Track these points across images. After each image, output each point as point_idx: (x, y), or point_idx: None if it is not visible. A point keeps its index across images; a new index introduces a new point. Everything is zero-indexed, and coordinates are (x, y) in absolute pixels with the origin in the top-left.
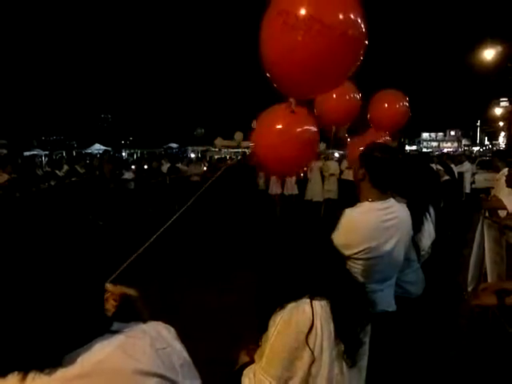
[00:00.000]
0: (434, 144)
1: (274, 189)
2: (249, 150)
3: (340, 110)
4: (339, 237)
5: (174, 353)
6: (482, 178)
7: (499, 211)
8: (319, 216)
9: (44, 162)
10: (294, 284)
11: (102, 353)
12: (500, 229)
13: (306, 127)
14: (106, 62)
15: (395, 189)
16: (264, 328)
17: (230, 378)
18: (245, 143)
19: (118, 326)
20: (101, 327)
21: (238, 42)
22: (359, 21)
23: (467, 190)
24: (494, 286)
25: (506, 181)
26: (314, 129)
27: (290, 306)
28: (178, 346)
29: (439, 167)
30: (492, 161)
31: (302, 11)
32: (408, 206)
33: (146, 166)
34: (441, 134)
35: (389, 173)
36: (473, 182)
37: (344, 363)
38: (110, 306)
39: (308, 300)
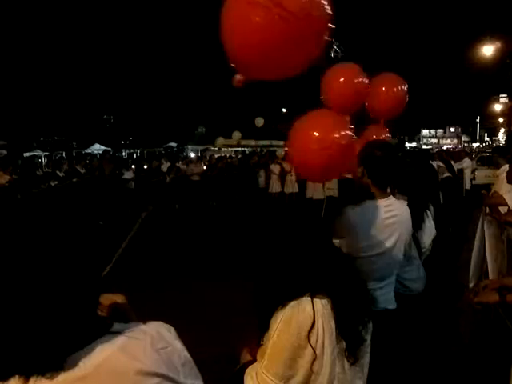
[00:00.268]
0: (434, 141)
1: (275, 187)
2: (249, 149)
3: (348, 94)
4: (339, 235)
5: (174, 352)
6: (483, 175)
7: (500, 208)
8: (320, 214)
9: (44, 162)
10: (295, 282)
11: (103, 354)
12: (501, 225)
13: (346, 132)
14: (106, 62)
15: (396, 186)
16: (265, 327)
17: (233, 376)
18: (244, 142)
19: (118, 326)
20: (101, 328)
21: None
22: (322, 2)
23: (467, 187)
24: (494, 284)
25: (507, 177)
26: (352, 134)
27: (291, 304)
28: (178, 345)
29: (440, 164)
30: (492, 157)
31: None
32: (409, 203)
33: (145, 166)
34: (440, 130)
35: (387, 170)
36: (473, 179)
37: (346, 361)
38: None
39: (309, 298)
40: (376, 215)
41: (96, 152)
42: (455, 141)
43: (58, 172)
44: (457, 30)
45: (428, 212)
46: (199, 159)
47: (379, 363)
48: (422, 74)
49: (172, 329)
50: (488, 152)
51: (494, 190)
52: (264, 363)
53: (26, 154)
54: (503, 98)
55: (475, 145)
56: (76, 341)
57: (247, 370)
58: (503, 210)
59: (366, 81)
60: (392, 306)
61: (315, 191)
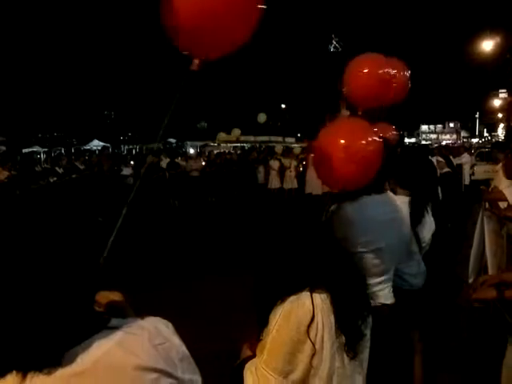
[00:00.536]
0: (433, 136)
1: (274, 183)
2: (248, 145)
3: (371, 86)
4: (337, 231)
5: (172, 348)
6: (482, 170)
7: (499, 203)
8: (318, 209)
9: (43, 158)
10: (294, 277)
11: (101, 349)
12: (500, 220)
13: (373, 138)
14: (105, 58)
15: (398, 181)
16: (265, 322)
17: (232, 372)
18: (243, 138)
19: (115, 322)
20: (98, 324)
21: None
22: None
23: (466, 182)
24: (492, 279)
25: (505, 172)
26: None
27: (290, 299)
28: (176, 340)
29: (440, 159)
30: (492, 152)
31: None
32: (411, 199)
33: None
34: (440, 126)
35: (384, 166)
36: (472, 174)
37: (345, 355)
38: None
39: (308, 293)
40: (374, 211)
41: (95, 148)
42: (454, 136)
43: (57, 168)
44: (456, 25)
45: (427, 207)
46: (198, 155)
47: (379, 358)
48: (421, 69)
49: (170, 324)
50: (487, 147)
51: (494, 185)
52: (263, 358)
53: (25, 150)
54: (502, 94)
55: (474, 140)
56: (73, 336)
57: (247, 365)
58: (503, 205)
59: (392, 72)
60: (390, 301)
61: (314, 187)
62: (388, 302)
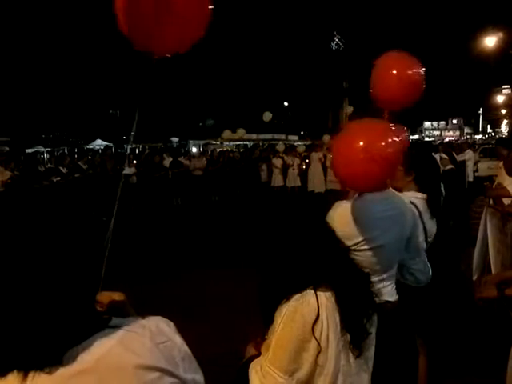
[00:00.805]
0: (436, 133)
1: (277, 181)
2: (251, 143)
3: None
4: (337, 228)
5: (174, 346)
6: (486, 166)
7: (503, 199)
8: (321, 207)
9: (46, 158)
10: (299, 275)
11: (103, 348)
12: (504, 217)
13: (396, 140)
14: (108, 57)
15: (418, 182)
16: (270, 321)
17: (237, 371)
18: (246, 136)
19: (117, 321)
20: (100, 323)
21: (235, 42)
22: None
23: (470, 179)
24: (495, 278)
25: (505, 168)
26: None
27: (295, 297)
28: (178, 339)
29: (444, 156)
30: (495, 149)
31: None
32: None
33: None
34: (443, 122)
35: None
36: (476, 171)
37: (350, 353)
38: None
39: (313, 291)
40: (372, 209)
41: (98, 147)
42: (457, 133)
43: (60, 168)
44: (459, 21)
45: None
46: (201, 154)
47: (384, 355)
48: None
49: (171, 323)
50: (491, 144)
51: (498, 182)
52: (269, 357)
53: (28, 150)
54: (506, 90)
55: (478, 136)
56: (74, 335)
57: (252, 364)
58: (507, 201)
59: (422, 72)
60: (394, 298)
61: (316, 184)
62: (392, 299)
